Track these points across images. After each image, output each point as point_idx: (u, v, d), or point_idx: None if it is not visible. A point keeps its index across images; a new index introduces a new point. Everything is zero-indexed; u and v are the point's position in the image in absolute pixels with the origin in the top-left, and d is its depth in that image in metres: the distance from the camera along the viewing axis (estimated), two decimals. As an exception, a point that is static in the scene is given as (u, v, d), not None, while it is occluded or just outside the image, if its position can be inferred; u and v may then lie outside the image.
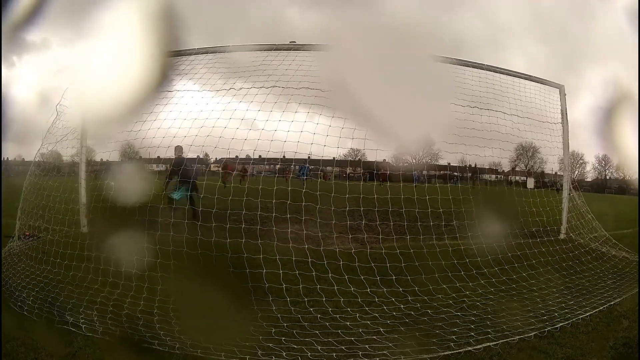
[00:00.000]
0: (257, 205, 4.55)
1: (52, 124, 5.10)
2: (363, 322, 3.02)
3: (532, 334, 2.80)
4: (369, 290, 3.57)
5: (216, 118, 4.62)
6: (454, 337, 2.76)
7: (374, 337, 2.78)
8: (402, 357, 2.52)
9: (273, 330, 2.80)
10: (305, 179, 12.15)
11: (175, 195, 6.49)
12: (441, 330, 2.88)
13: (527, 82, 6.19)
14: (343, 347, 2.62)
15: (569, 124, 6.48)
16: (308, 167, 15.15)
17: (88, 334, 2.66)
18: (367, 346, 2.63)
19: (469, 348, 2.62)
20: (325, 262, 3.95)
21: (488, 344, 2.66)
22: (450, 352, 2.57)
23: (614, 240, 5.81)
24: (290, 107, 4.69)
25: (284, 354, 2.54)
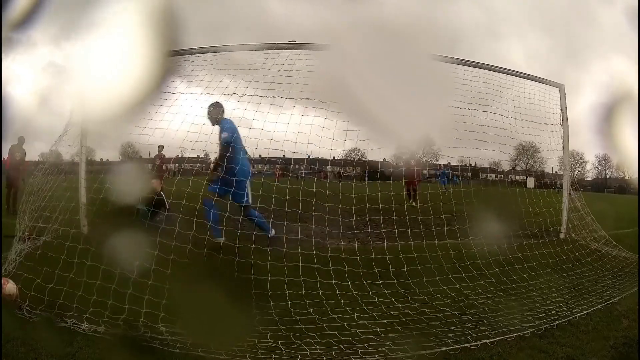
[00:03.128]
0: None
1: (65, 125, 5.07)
2: (360, 321, 3.03)
3: (529, 331, 2.81)
4: (370, 292, 3.58)
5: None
6: (451, 335, 2.77)
7: (372, 336, 2.79)
8: (401, 353, 2.54)
9: (271, 333, 2.80)
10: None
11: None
12: (438, 329, 2.89)
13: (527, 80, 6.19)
14: (342, 346, 2.64)
15: (569, 123, 6.47)
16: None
17: (88, 333, 2.66)
18: (365, 345, 2.64)
19: (466, 345, 2.63)
20: (322, 263, 3.96)
21: (485, 341, 2.68)
22: (447, 348, 2.59)
23: (614, 242, 5.81)
24: (288, 106, 4.71)
25: (284, 351, 2.56)
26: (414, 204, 7.84)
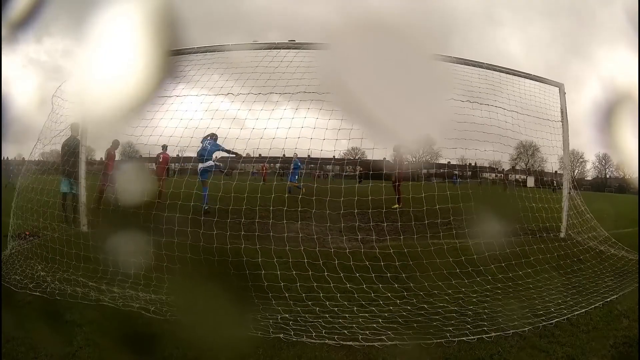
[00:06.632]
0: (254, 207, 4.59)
1: (48, 118, 5.09)
2: (361, 315, 3.08)
3: (527, 328, 2.82)
4: (377, 291, 3.59)
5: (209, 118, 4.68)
6: (450, 328, 2.81)
7: (374, 325, 2.87)
8: (399, 343, 2.60)
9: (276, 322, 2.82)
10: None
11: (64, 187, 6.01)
12: (438, 322, 2.94)
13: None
14: (345, 331, 2.75)
15: (569, 120, 6.47)
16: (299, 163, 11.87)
17: (88, 332, 2.66)
18: (367, 332, 2.73)
19: (464, 338, 2.67)
20: (328, 261, 3.97)
21: (483, 336, 2.70)
22: (444, 340, 2.64)
23: (613, 240, 5.81)
24: (286, 105, 4.71)
25: (292, 333, 2.70)
26: (395, 206, 7.58)
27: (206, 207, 6.16)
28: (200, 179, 7.30)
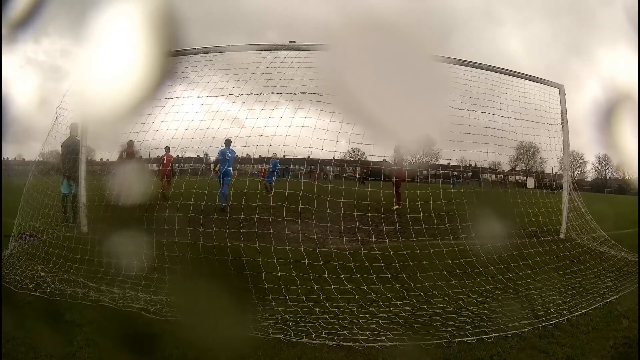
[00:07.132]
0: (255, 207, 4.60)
1: (52, 125, 5.12)
2: (361, 316, 3.08)
3: (527, 329, 2.82)
4: (377, 290, 3.58)
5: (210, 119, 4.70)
6: (450, 329, 2.82)
7: (374, 325, 2.87)
8: (398, 344, 2.60)
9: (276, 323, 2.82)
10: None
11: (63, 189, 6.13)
12: (438, 323, 2.94)
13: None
14: (345, 332, 2.75)
15: (569, 121, 6.47)
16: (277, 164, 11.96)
17: (88, 333, 2.66)
18: (367, 333, 2.73)
19: (464, 339, 2.67)
20: (332, 262, 3.97)
21: (482, 336, 2.70)
22: (444, 341, 2.64)
23: (612, 241, 5.81)
24: (286, 106, 4.72)
25: (292, 334, 2.69)
26: (395, 207, 7.59)
27: (223, 205, 7.17)
28: (224, 181, 8.47)
